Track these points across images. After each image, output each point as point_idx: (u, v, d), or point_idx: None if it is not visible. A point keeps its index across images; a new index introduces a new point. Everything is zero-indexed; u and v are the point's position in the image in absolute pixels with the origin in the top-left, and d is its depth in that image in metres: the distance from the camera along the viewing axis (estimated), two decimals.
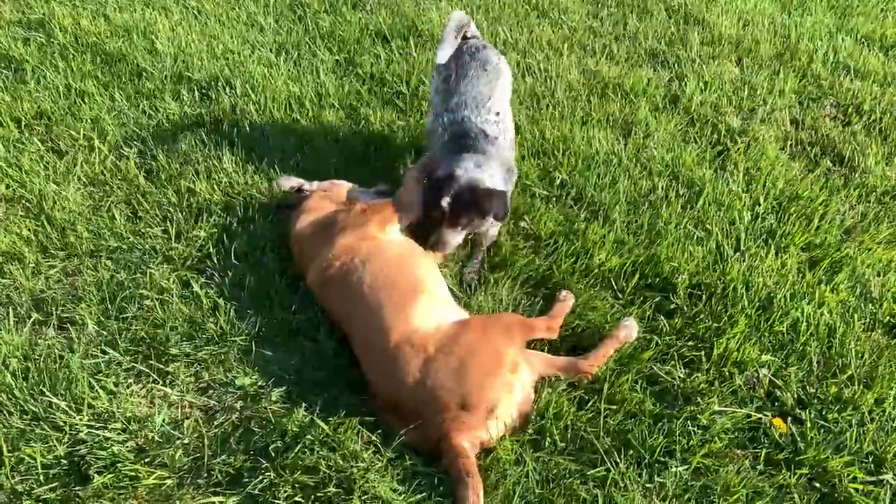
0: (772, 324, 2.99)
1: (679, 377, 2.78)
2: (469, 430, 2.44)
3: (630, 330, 2.88)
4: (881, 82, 4.82)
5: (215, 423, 2.62)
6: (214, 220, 3.40)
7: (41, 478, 2.41)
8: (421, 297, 2.74)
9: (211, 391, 2.73)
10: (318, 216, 3.17)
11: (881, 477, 2.51)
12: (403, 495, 2.39)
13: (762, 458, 2.55)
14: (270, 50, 4.86)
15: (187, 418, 2.64)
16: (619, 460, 2.49)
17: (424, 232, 3.11)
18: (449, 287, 3.01)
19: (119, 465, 2.43)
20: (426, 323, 2.65)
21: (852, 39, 5.31)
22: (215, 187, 3.61)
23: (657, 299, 3.11)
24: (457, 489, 2.34)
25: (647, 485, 2.45)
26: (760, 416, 2.68)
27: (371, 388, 2.65)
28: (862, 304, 3.14)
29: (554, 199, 3.64)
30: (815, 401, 2.73)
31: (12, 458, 2.45)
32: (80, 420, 2.55)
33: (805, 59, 5.00)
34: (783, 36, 5.31)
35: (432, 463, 2.48)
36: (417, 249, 3.04)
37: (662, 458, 2.52)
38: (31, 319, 2.94)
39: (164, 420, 2.60)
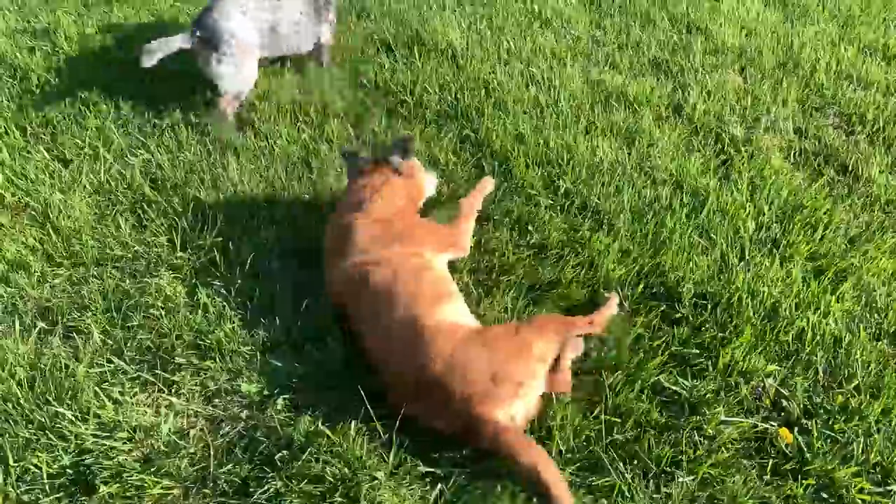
0: (777, 333, 2.99)
1: (685, 387, 2.77)
2: (501, 403, 2.45)
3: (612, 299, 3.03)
4: (884, 91, 4.82)
5: (221, 432, 2.62)
6: (220, 229, 3.40)
7: (47, 488, 2.41)
8: (452, 302, 2.83)
9: (217, 400, 2.73)
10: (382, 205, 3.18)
11: (889, 487, 2.50)
12: (408, 501, 2.38)
13: (769, 469, 2.54)
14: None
15: (193, 427, 2.64)
16: (625, 470, 2.49)
17: None
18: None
19: (125, 474, 2.43)
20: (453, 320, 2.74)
21: (855, 49, 5.32)
22: (220, 196, 3.62)
23: (662, 308, 3.11)
24: (518, 463, 2.35)
25: (654, 495, 2.45)
26: (767, 426, 2.67)
27: (389, 379, 2.65)
28: (867, 314, 3.14)
29: (558, 207, 3.65)
30: (822, 411, 2.73)
31: (18, 468, 2.45)
32: (86, 429, 2.55)
33: (808, 68, 5.02)
34: (786, 45, 5.33)
35: (437, 464, 2.48)
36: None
37: (669, 469, 2.51)
38: (37, 328, 2.94)
39: (169, 429, 2.59)
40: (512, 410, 2.48)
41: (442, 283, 2.94)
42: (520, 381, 2.51)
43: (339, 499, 2.36)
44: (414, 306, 2.71)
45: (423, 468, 2.47)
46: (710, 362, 2.87)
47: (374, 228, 3.03)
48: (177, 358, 2.83)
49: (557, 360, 2.71)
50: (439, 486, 2.43)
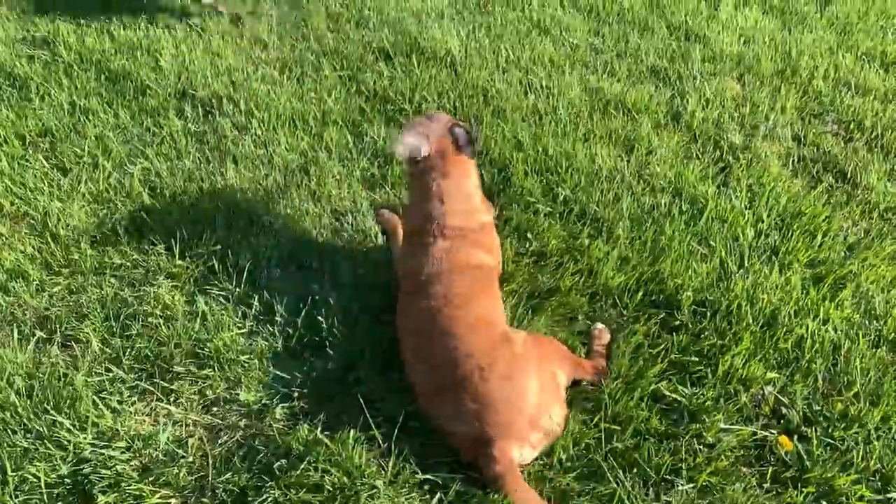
0: (777, 341, 2.98)
1: (684, 394, 2.77)
2: (524, 445, 2.45)
3: (603, 331, 3.01)
4: (882, 99, 4.84)
5: (219, 441, 2.61)
6: (218, 237, 3.40)
7: (45, 497, 2.40)
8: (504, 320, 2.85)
9: (215, 409, 2.73)
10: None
11: (888, 495, 2.50)
12: None
13: (769, 476, 2.54)
14: (274, 67, 4.89)
15: (191, 436, 2.63)
16: (625, 478, 2.48)
17: None
18: None
19: (123, 484, 2.42)
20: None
21: (853, 56, 5.34)
22: (219, 204, 3.62)
23: (662, 316, 3.11)
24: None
25: (654, 503, 2.44)
26: (766, 433, 2.67)
27: (427, 375, 2.62)
28: (866, 321, 3.14)
29: (557, 215, 3.65)
30: (821, 418, 2.72)
31: (16, 478, 2.44)
32: (85, 438, 2.54)
33: (806, 75, 5.03)
34: (784, 53, 5.34)
35: (436, 472, 2.47)
36: None
37: (669, 476, 2.51)
38: (36, 337, 2.93)
39: (168, 438, 2.59)
40: (529, 456, 2.48)
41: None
42: (547, 430, 2.50)
43: None
44: (490, 310, 2.76)
45: (421, 476, 2.46)
46: (709, 370, 2.87)
47: (474, 235, 2.94)
48: (175, 366, 2.82)
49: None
50: (438, 493, 2.42)
